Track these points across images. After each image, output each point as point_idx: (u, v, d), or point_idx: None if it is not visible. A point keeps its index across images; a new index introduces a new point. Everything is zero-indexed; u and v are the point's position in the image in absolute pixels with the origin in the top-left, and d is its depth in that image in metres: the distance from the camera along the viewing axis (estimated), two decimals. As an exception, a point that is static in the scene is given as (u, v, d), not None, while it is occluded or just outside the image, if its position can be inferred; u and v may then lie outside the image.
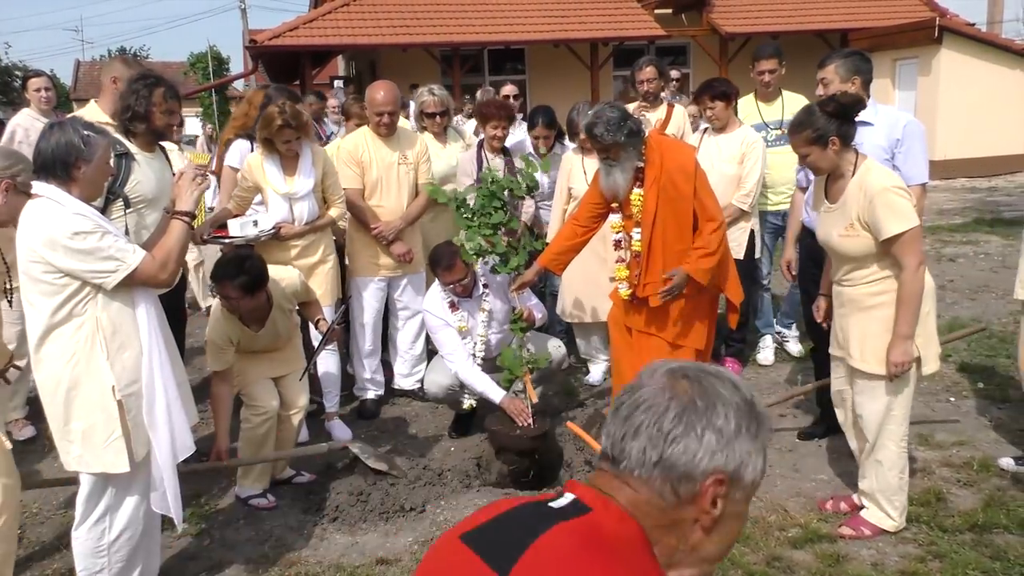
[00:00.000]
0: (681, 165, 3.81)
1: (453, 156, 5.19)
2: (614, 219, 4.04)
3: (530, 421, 3.99)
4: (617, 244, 4.10)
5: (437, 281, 4.32)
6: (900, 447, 3.27)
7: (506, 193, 4.17)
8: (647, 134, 3.92)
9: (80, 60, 44.42)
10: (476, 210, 4.06)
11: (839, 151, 3.16)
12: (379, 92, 4.60)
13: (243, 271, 3.51)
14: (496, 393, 4.12)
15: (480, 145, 5.04)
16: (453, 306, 4.29)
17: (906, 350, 3.10)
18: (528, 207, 5.08)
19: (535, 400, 4.00)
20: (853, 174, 3.16)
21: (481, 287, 4.34)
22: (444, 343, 4.26)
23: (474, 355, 4.28)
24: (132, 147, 3.72)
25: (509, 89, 5.96)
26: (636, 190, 3.85)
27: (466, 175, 4.91)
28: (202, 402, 5.13)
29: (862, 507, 3.42)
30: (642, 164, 3.82)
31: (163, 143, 4.04)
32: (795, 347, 5.58)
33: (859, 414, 3.32)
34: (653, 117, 5.49)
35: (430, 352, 5.30)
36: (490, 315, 4.25)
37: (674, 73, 8.99)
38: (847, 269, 3.24)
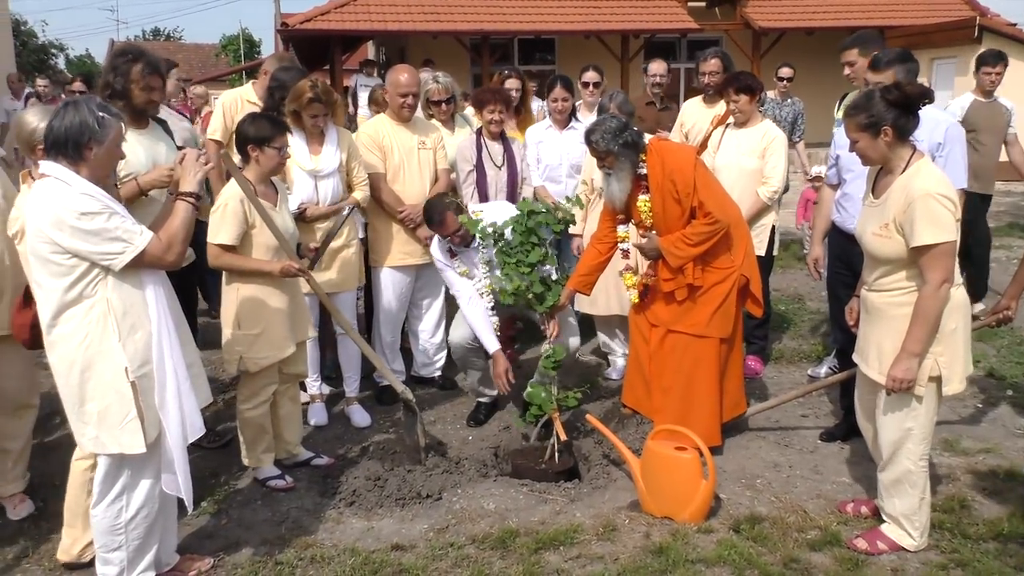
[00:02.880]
0: (679, 166, 3.86)
1: None
2: (621, 230, 4.13)
3: (507, 388, 4.19)
4: (625, 253, 4.16)
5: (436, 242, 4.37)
6: (919, 467, 3.11)
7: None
8: (648, 141, 4.00)
9: (115, 40, 44.84)
10: (515, 246, 4.05)
11: (891, 143, 2.97)
12: (403, 74, 4.62)
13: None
14: (492, 344, 4.20)
15: (479, 132, 5.03)
16: (451, 253, 4.32)
17: (910, 367, 2.94)
18: (527, 190, 5.14)
19: (564, 438, 3.96)
20: (903, 171, 2.98)
21: (481, 247, 4.29)
22: (453, 282, 4.37)
23: (481, 293, 4.30)
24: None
25: (591, 76, 5.86)
26: (642, 196, 3.95)
27: (465, 161, 4.93)
28: (213, 382, 5.18)
29: (883, 519, 3.34)
30: (644, 172, 3.91)
31: (160, 116, 4.02)
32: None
33: (878, 427, 3.20)
34: (711, 113, 5.42)
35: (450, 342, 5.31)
36: (491, 264, 4.25)
37: (785, 72, 7.75)
38: (876, 273, 3.10)
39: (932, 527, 3.32)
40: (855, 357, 3.33)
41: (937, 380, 3.02)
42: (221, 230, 3.55)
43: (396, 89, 4.60)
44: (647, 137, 4.13)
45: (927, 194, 2.86)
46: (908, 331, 2.94)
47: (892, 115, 2.94)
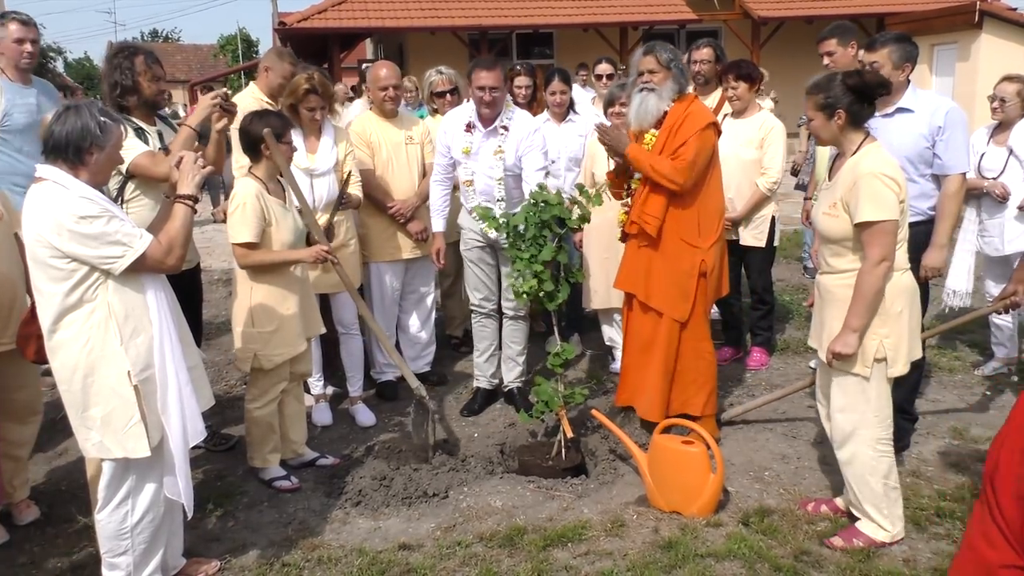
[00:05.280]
0: (694, 115, 3.86)
1: None
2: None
3: (440, 264, 4.50)
4: (630, 193, 4.14)
5: (466, 103, 4.43)
6: (877, 451, 3.09)
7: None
8: (689, 92, 4.03)
9: (113, 42, 44.77)
10: (528, 240, 3.94)
11: (843, 127, 3.04)
12: (382, 69, 4.67)
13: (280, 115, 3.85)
14: (438, 224, 4.51)
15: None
16: (469, 127, 4.33)
17: (848, 342, 2.98)
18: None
19: (571, 435, 3.94)
20: (854, 154, 3.05)
21: (501, 127, 4.30)
22: (436, 157, 4.53)
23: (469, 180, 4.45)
24: (139, 124, 3.72)
25: (604, 68, 5.81)
26: (652, 130, 3.95)
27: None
28: (219, 383, 5.18)
29: (849, 513, 3.31)
30: (667, 109, 3.90)
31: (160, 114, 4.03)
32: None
33: (831, 414, 3.19)
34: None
35: (447, 338, 5.31)
36: (503, 159, 4.29)
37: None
38: (827, 254, 3.15)
39: (942, 516, 3.31)
40: (810, 342, 3.35)
41: (883, 362, 3.03)
42: (243, 229, 3.53)
43: (377, 83, 4.64)
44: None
45: (872, 173, 2.92)
46: (849, 307, 2.99)
47: (847, 100, 3.01)
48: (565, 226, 4.01)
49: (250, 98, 4.74)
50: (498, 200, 4.34)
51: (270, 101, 4.65)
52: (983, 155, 4.80)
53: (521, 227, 3.96)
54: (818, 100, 3.06)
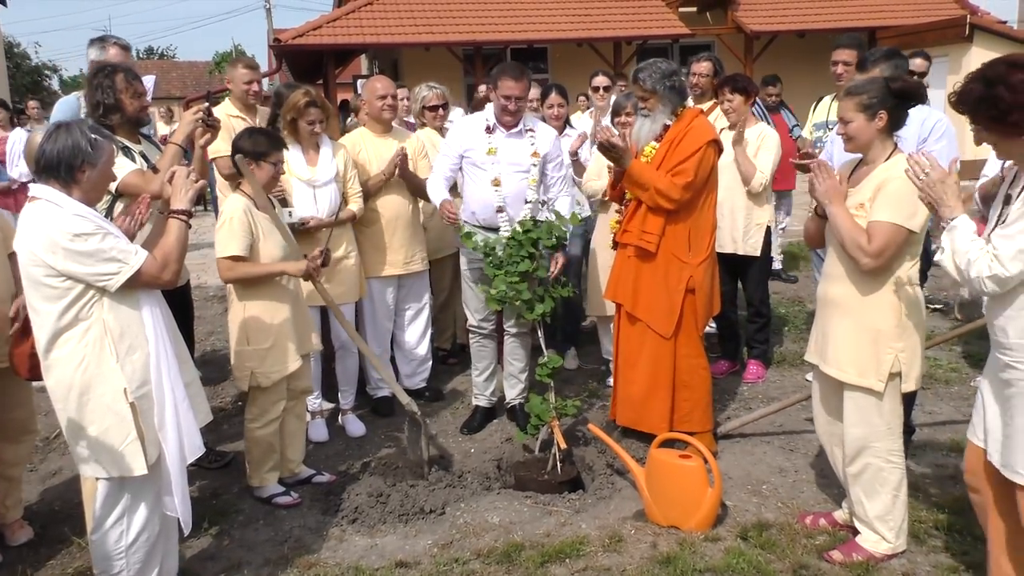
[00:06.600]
0: (694, 135, 3.86)
1: None
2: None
3: (457, 222, 4.24)
4: (624, 202, 4.18)
5: (487, 108, 4.34)
6: (890, 463, 3.07)
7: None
8: (689, 105, 4.04)
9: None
10: (504, 259, 3.99)
11: (883, 130, 2.98)
12: (378, 82, 4.73)
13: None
14: (438, 197, 4.31)
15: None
16: (489, 129, 4.26)
17: (827, 194, 2.99)
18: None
19: (564, 446, 3.92)
20: (884, 161, 2.99)
21: (525, 129, 4.26)
22: (439, 159, 4.45)
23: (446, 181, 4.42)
24: (124, 142, 3.71)
25: (600, 81, 5.87)
26: (652, 143, 3.97)
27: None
28: (215, 400, 5.15)
29: (852, 527, 3.27)
30: (670, 123, 3.93)
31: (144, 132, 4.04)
32: None
33: (844, 427, 3.15)
34: None
35: (436, 350, 5.30)
36: (538, 162, 4.24)
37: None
38: (838, 259, 3.08)
39: (940, 529, 3.29)
40: (809, 356, 3.30)
41: (897, 377, 3.01)
42: (231, 242, 3.53)
43: (374, 94, 4.66)
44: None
45: (906, 177, 2.82)
46: (844, 212, 2.97)
47: (891, 102, 2.97)
48: (541, 247, 4.05)
49: (222, 114, 4.76)
50: (527, 203, 4.28)
51: (240, 114, 4.80)
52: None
53: (499, 249, 4.01)
54: (862, 100, 2.99)
